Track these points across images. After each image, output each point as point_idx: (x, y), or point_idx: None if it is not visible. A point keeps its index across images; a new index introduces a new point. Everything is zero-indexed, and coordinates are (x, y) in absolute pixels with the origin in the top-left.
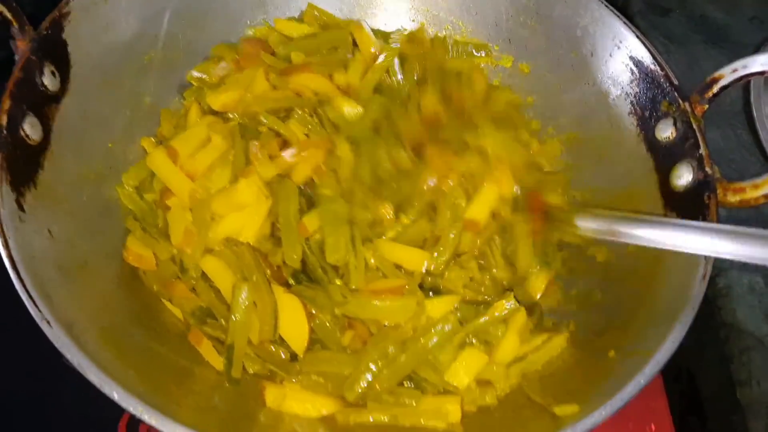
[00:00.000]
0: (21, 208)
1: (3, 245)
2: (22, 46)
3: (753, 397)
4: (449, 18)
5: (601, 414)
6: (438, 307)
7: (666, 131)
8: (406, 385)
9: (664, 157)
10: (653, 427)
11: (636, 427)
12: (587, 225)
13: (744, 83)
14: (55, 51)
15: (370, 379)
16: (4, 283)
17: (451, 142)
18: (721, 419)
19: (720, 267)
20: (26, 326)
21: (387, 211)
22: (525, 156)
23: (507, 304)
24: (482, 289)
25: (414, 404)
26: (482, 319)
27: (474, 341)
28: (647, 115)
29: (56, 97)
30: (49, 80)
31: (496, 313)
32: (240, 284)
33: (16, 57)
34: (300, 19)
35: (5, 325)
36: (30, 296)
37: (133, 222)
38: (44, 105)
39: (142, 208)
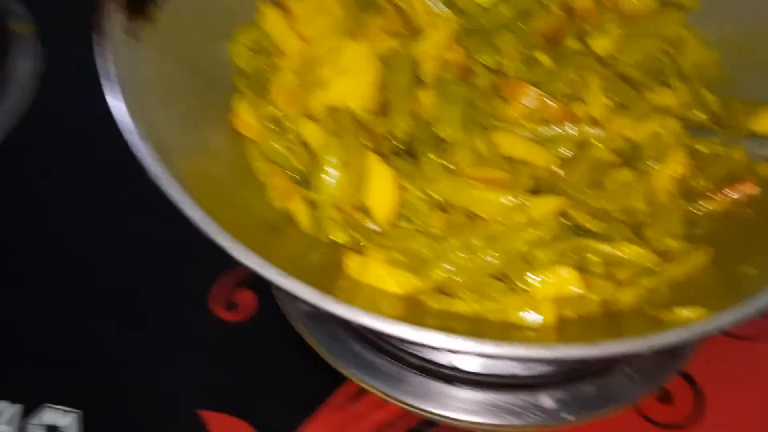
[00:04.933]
0: (134, 36)
1: (112, 63)
2: None
3: None
4: None
5: (726, 318)
6: (541, 206)
7: None
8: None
9: None
10: None
11: None
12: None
13: None
14: None
15: (449, 269)
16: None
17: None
18: None
19: None
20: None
21: (515, 107)
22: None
23: (638, 251)
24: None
25: (499, 298)
26: (602, 247)
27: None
28: None
29: None
30: None
31: (620, 253)
32: (330, 139)
33: None
34: None
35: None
36: (129, 109)
37: (240, 79)
38: None
39: (251, 66)
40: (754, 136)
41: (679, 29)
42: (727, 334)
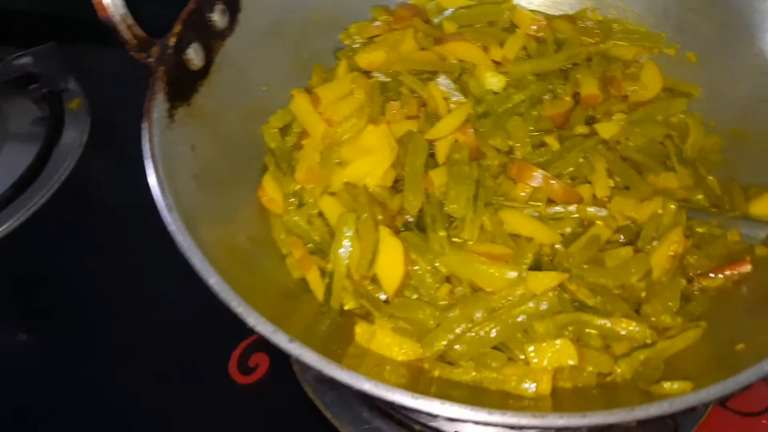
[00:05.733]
0: (171, 117)
1: (149, 140)
2: None
3: None
4: (616, 2)
5: (708, 392)
6: (541, 281)
7: None
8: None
9: None
10: None
11: None
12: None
13: None
14: None
15: (451, 339)
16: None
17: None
18: None
19: None
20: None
21: (522, 188)
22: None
23: (635, 327)
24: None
25: (499, 368)
26: (599, 322)
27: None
28: None
29: (222, 34)
30: (218, 17)
31: (617, 328)
32: (346, 214)
33: None
34: None
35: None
36: (160, 184)
37: (270, 159)
38: (210, 38)
39: (281, 147)
40: (749, 220)
41: (683, 115)
42: (732, 410)
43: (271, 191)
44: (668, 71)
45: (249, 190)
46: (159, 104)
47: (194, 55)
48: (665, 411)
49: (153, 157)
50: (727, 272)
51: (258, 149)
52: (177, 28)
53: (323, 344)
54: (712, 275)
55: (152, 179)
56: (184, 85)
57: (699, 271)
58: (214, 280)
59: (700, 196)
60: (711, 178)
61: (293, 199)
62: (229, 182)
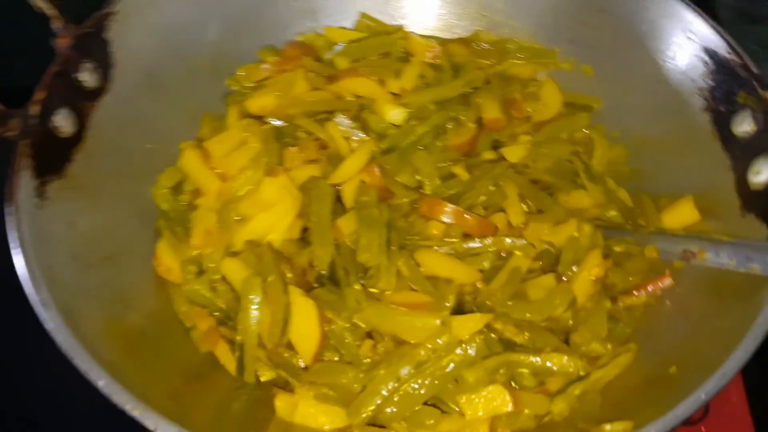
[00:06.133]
0: (42, 195)
1: (15, 227)
2: (63, 42)
3: None
4: (507, 21)
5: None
6: (465, 325)
7: (744, 125)
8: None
9: (742, 154)
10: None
11: None
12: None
13: None
14: (97, 49)
15: (379, 403)
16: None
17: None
18: None
19: None
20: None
21: (435, 225)
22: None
23: (566, 360)
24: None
25: (434, 425)
26: (530, 359)
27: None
28: (722, 109)
29: (94, 94)
30: (88, 77)
31: (549, 364)
32: (251, 279)
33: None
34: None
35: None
36: (32, 276)
37: (163, 223)
38: (81, 100)
39: (174, 209)
40: (665, 234)
41: (586, 130)
42: None
43: (166, 260)
44: (567, 86)
45: (142, 262)
46: (25, 183)
47: (63, 122)
48: None
49: (22, 245)
50: (650, 288)
51: (149, 214)
52: (40, 94)
53: (242, 427)
54: (635, 293)
55: (22, 271)
56: (54, 157)
57: (622, 290)
58: (103, 382)
59: (613, 212)
60: (622, 191)
61: (192, 266)
62: (117, 256)
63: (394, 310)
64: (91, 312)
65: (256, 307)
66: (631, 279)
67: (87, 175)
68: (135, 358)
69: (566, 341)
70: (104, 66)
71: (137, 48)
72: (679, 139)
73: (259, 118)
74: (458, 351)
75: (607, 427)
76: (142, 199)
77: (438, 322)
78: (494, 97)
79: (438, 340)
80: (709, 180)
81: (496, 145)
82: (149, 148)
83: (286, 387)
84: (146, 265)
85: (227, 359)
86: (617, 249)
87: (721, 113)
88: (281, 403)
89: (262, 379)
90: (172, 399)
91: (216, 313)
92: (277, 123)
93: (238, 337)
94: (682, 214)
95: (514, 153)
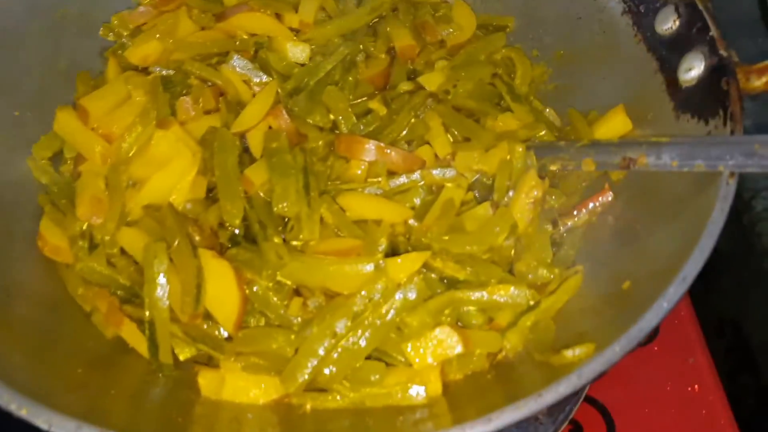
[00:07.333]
0: None
1: None
2: None
3: None
4: None
5: (614, 351)
6: (402, 267)
7: (667, 22)
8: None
9: (669, 53)
10: (696, 388)
11: (676, 389)
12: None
13: None
14: None
15: (315, 365)
16: None
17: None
18: None
19: (755, 188)
20: None
21: (356, 165)
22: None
23: (514, 291)
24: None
25: (379, 380)
26: (475, 295)
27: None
28: (642, 10)
29: None
30: None
31: (497, 297)
32: (153, 246)
33: None
34: None
35: None
36: None
37: (44, 198)
38: None
39: (56, 182)
40: (600, 145)
41: (504, 50)
42: None
43: (52, 238)
44: (476, 8)
45: (25, 244)
46: None
47: None
48: (576, 385)
49: None
50: (590, 205)
51: (27, 190)
52: None
53: (159, 417)
54: (575, 213)
55: None
56: None
57: (561, 212)
58: None
59: (542, 132)
60: (548, 110)
61: (82, 242)
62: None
63: (322, 260)
64: None
65: (163, 276)
66: (568, 200)
67: None
68: (24, 352)
69: (511, 273)
70: None
71: None
72: (601, 49)
73: (143, 70)
74: (397, 296)
75: (568, 353)
76: (18, 173)
77: (371, 267)
78: (403, 23)
79: (374, 287)
80: (637, 87)
81: (412, 76)
82: (17, 116)
83: (210, 362)
84: (31, 248)
85: (137, 341)
86: (552, 168)
87: (641, 14)
88: (205, 380)
89: (181, 357)
90: (73, 392)
91: (118, 292)
92: (164, 72)
93: (147, 313)
94: (614, 125)
95: (432, 80)
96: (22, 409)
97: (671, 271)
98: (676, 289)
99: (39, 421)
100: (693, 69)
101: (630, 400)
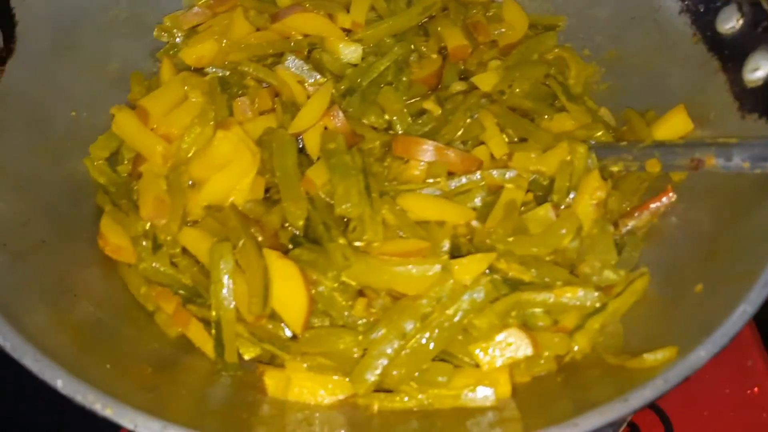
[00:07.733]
0: None
1: None
2: None
3: None
4: None
5: (699, 356)
6: (468, 268)
7: (730, 21)
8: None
9: (731, 52)
10: (756, 390)
11: (735, 391)
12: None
13: None
14: None
15: (384, 365)
16: None
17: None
18: None
19: None
20: None
21: (414, 166)
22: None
23: (582, 293)
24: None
25: (447, 381)
26: (542, 297)
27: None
28: (702, 9)
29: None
30: None
31: (564, 299)
32: (219, 246)
33: None
34: None
35: None
36: None
37: (103, 197)
38: None
39: (114, 182)
40: (666, 146)
41: (557, 50)
42: None
43: (114, 238)
44: (526, 7)
45: (85, 244)
46: None
47: None
48: (662, 390)
49: None
50: (653, 206)
51: (85, 190)
52: None
53: (225, 416)
54: (637, 214)
55: None
56: None
57: (622, 214)
58: (61, 381)
59: (599, 132)
60: (603, 109)
61: (146, 241)
62: (53, 242)
63: (387, 261)
64: (32, 305)
65: (228, 275)
66: (629, 201)
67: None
68: (94, 352)
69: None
70: (5, 24)
71: (40, 2)
72: (655, 48)
73: (199, 71)
74: (465, 297)
75: (649, 356)
76: (75, 173)
77: (438, 268)
78: (454, 23)
79: (441, 288)
80: (697, 87)
81: (464, 76)
82: (73, 116)
83: (274, 362)
84: (91, 248)
85: (202, 340)
86: (614, 169)
87: (700, 13)
88: (271, 380)
89: (246, 356)
90: (148, 392)
91: (181, 291)
92: (220, 73)
93: (213, 314)
94: (674, 125)
95: (485, 81)
96: (107, 408)
97: (750, 274)
98: (758, 293)
99: (124, 421)
100: (759, 69)
101: (688, 403)
